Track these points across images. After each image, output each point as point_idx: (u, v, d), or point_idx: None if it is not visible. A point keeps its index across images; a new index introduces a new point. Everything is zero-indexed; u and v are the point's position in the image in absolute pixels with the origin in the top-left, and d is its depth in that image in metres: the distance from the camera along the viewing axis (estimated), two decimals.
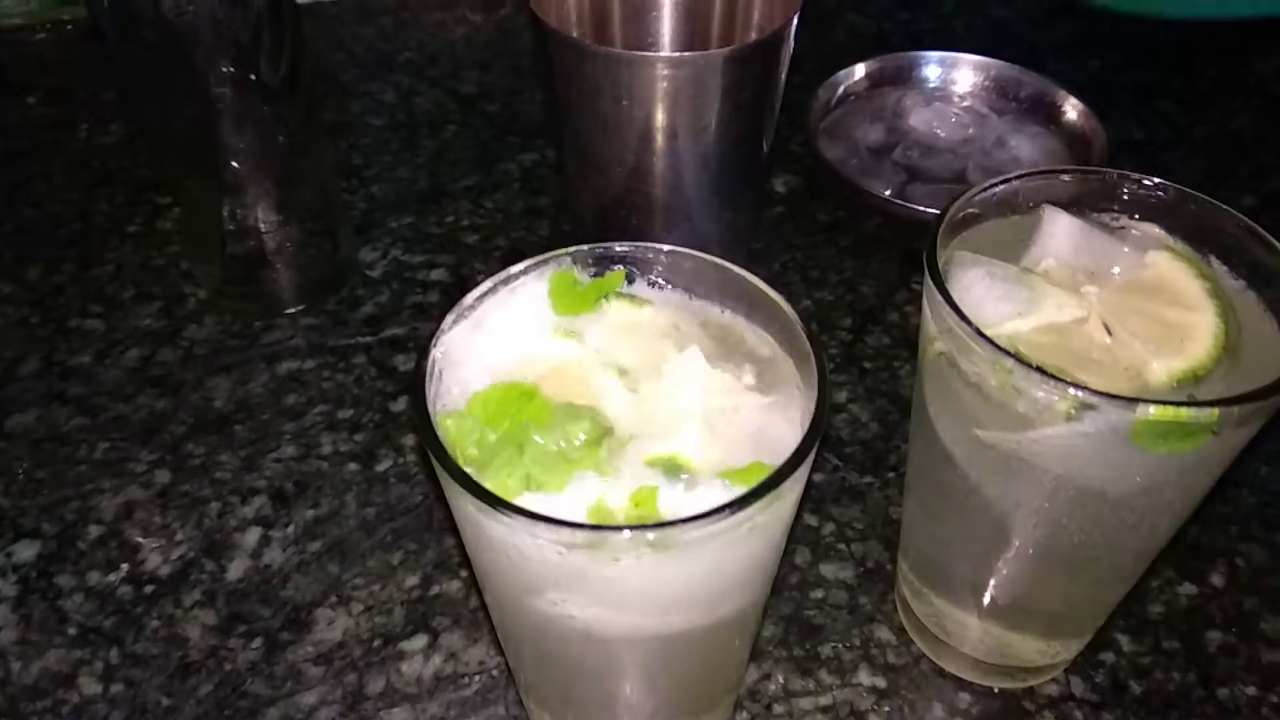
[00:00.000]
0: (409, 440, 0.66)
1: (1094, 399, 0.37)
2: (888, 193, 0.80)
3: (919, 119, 0.87)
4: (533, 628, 0.41)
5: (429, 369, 0.39)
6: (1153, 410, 0.36)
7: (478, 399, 0.39)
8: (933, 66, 0.92)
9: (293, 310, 0.74)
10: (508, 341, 0.42)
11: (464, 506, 0.36)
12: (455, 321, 0.41)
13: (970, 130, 0.86)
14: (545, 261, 0.43)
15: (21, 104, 0.95)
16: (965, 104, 0.90)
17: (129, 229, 0.81)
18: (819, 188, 0.85)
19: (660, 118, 0.59)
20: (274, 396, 0.69)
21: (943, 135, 0.86)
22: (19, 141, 0.90)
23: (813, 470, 0.64)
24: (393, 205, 0.83)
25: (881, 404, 0.69)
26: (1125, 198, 0.47)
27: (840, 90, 0.90)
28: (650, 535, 0.33)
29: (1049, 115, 0.87)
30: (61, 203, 0.84)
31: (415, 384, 0.38)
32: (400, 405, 0.68)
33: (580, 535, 0.33)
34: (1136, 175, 0.47)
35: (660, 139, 0.60)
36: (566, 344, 0.42)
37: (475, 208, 0.83)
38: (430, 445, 0.35)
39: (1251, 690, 0.55)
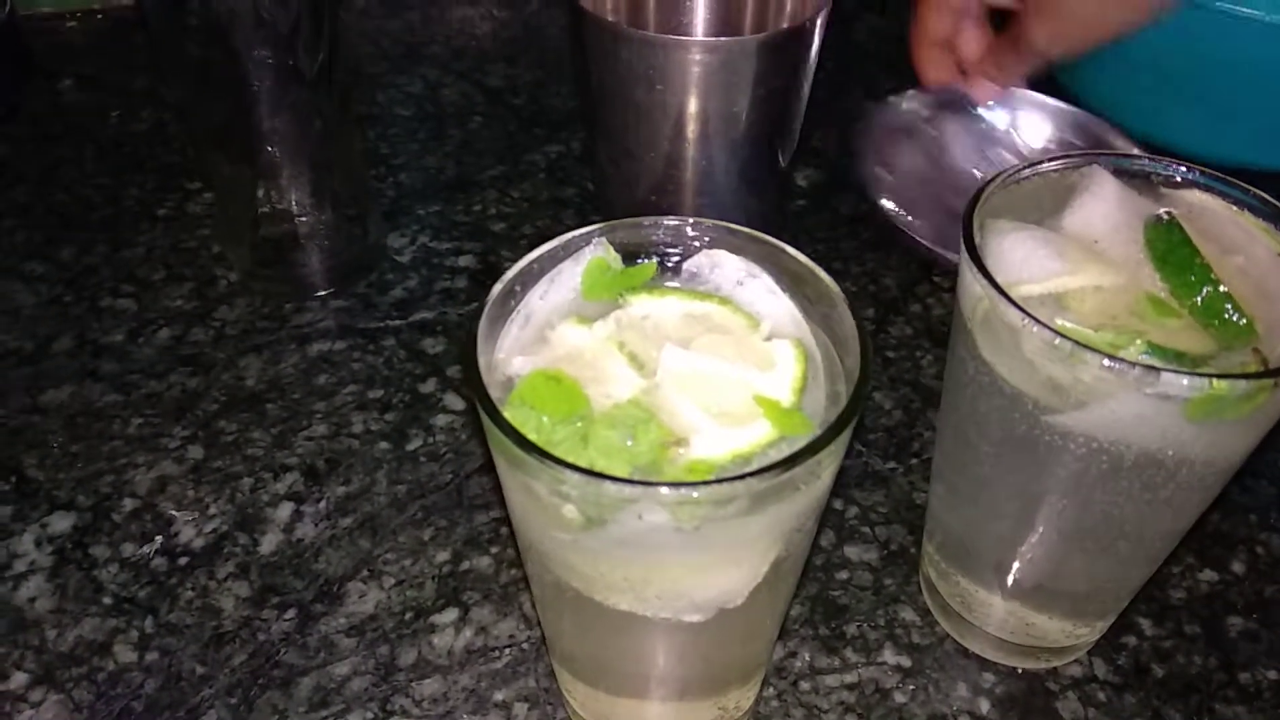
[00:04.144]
0: (439, 420, 0.67)
1: (1151, 375, 0.38)
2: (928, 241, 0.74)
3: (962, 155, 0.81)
4: (573, 601, 0.41)
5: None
6: (1214, 384, 0.37)
7: (526, 386, 0.39)
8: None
9: (323, 293, 0.75)
10: (536, 323, 0.43)
11: (518, 477, 0.37)
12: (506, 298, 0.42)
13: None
14: (584, 244, 0.43)
15: (52, 90, 0.96)
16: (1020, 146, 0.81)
17: (159, 213, 0.82)
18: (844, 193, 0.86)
19: (693, 103, 0.60)
20: (305, 376, 0.70)
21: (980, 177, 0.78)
22: (51, 127, 0.91)
23: None
24: (420, 193, 0.84)
25: (905, 392, 0.70)
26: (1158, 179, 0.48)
27: (900, 110, 0.83)
28: (697, 493, 0.34)
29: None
30: (92, 187, 0.85)
31: (467, 356, 0.38)
32: (430, 386, 0.69)
33: (640, 491, 0.34)
34: (1170, 159, 0.48)
35: (692, 125, 0.61)
36: (595, 328, 0.42)
37: (502, 197, 0.84)
38: (484, 405, 0.36)
39: (1273, 675, 0.55)
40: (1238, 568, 0.60)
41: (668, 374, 0.39)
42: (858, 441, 0.66)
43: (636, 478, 0.36)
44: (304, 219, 0.73)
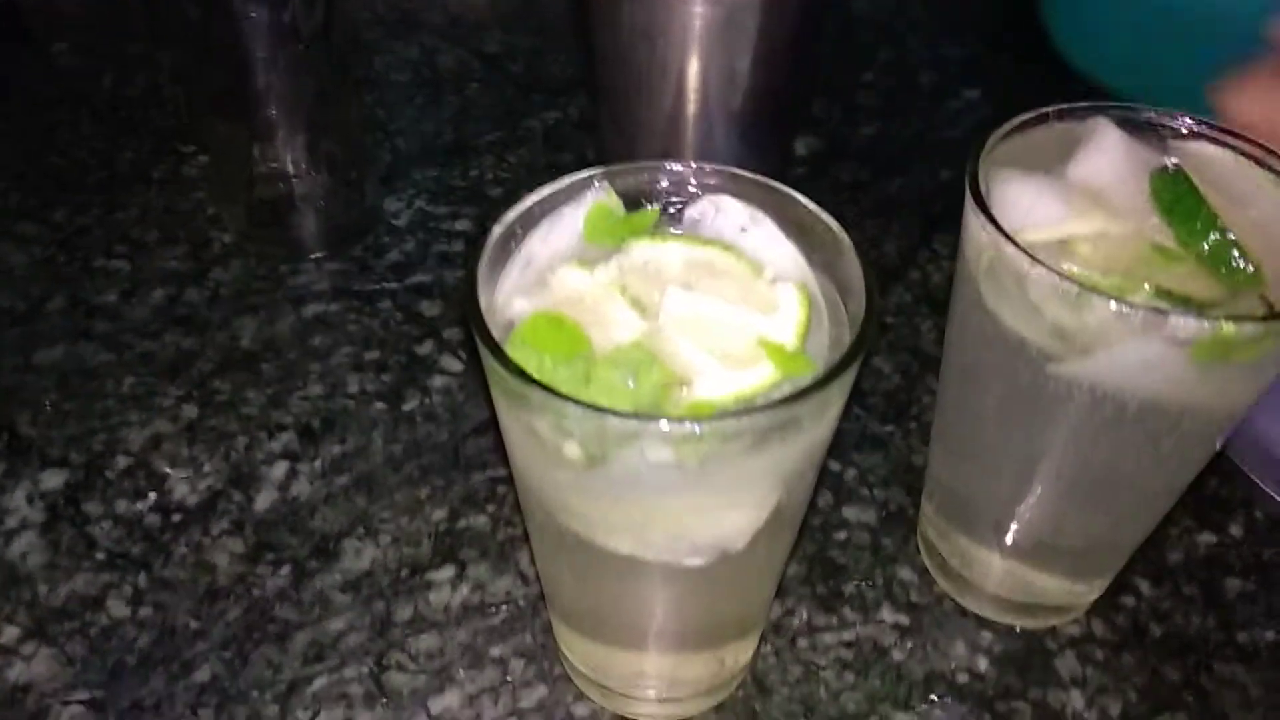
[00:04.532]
0: (436, 382, 0.66)
1: (1159, 317, 0.38)
2: None
3: None
4: (574, 547, 0.41)
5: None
6: (1223, 326, 0.37)
7: (528, 327, 0.39)
8: None
9: (318, 255, 0.74)
10: (537, 266, 0.42)
11: (521, 416, 0.36)
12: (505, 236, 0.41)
13: None
14: (584, 186, 0.43)
15: (46, 55, 0.95)
16: None
17: (154, 175, 0.81)
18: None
19: (695, 59, 0.59)
20: (300, 337, 0.69)
21: None
22: (45, 92, 0.90)
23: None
24: (417, 158, 0.84)
25: (903, 357, 0.69)
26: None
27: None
28: (701, 427, 0.33)
29: None
30: (86, 150, 0.84)
31: (469, 292, 0.38)
32: (426, 348, 0.69)
33: (643, 426, 0.33)
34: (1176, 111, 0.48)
35: (695, 82, 0.60)
36: (597, 273, 0.42)
37: (499, 162, 0.84)
38: (485, 341, 0.36)
39: (1270, 635, 0.55)
40: (1235, 530, 0.60)
41: (670, 316, 0.39)
42: (856, 405, 0.66)
43: None
44: (300, 180, 0.72)
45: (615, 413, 0.33)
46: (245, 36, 0.65)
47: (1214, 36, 0.76)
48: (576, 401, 0.34)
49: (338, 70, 0.70)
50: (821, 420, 0.38)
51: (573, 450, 0.36)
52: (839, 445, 0.63)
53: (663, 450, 0.35)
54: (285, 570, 0.56)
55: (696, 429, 0.34)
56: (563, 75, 0.94)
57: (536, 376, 0.35)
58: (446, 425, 0.64)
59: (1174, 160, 0.45)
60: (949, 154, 0.86)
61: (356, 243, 0.76)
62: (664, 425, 0.33)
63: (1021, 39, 0.99)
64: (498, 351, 0.35)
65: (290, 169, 0.72)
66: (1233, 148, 0.46)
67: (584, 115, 0.89)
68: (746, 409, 0.34)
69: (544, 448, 0.37)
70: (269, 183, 0.72)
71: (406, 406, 0.65)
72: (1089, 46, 0.85)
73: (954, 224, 0.47)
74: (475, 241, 0.41)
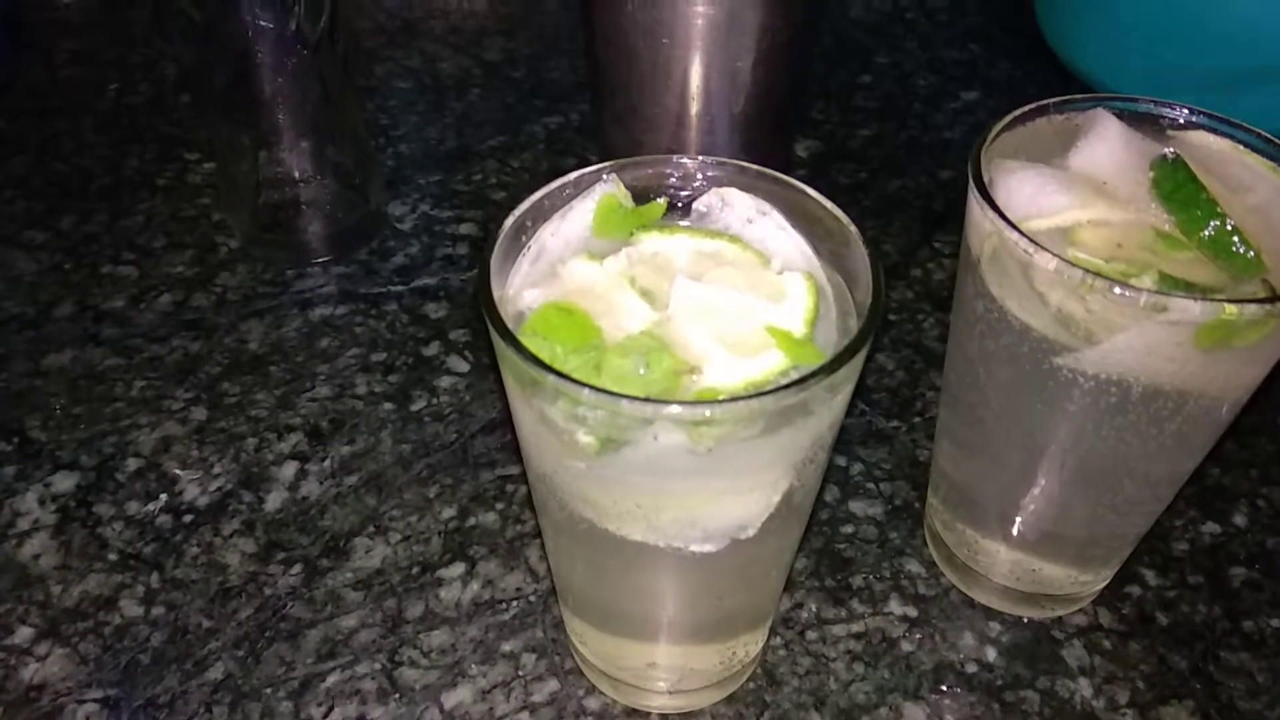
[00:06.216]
0: (443, 382, 0.67)
1: (1163, 301, 0.38)
2: None
3: None
4: (586, 537, 0.41)
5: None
6: (1227, 309, 0.37)
7: (539, 317, 0.39)
8: None
9: (324, 259, 0.75)
10: (547, 259, 0.43)
11: (534, 404, 0.37)
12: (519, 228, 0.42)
13: None
14: (595, 180, 0.44)
15: (49, 64, 0.96)
16: None
17: (159, 182, 0.82)
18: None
19: (698, 57, 0.60)
20: (307, 340, 0.69)
21: None
22: (48, 100, 0.91)
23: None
24: (421, 163, 0.84)
25: (907, 354, 0.70)
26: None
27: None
28: (712, 411, 0.34)
29: None
30: (92, 158, 0.85)
31: (482, 284, 0.39)
32: (433, 349, 0.69)
33: (656, 410, 0.34)
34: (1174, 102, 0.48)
35: (697, 79, 0.61)
36: (606, 264, 0.42)
37: (502, 166, 0.84)
38: (498, 328, 0.36)
39: (1275, 623, 0.56)
40: (1239, 520, 0.61)
41: (680, 305, 0.40)
42: (861, 401, 0.66)
43: None
44: (305, 185, 0.73)
45: (628, 397, 0.34)
46: (251, 42, 0.66)
47: (1211, 40, 0.77)
48: (591, 387, 0.34)
49: (342, 76, 0.71)
50: (830, 405, 0.38)
51: (586, 437, 0.36)
52: (845, 441, 0.64)
53: (675, 435, 0.35)
54: (296, 569, 0.57)
55: (708, 412, 0.34)
56: (564, 81, 0.94)
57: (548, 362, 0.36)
58: (454, 425, 0.64)
59: (1173, 149, 0.46)
60: (948, 154, 0.87)
61: (362, 247, 0.76)
62: (676, 409, 0.34)
63: (1019, 41, 1.00)
64: (511, 338, 0.36)
65: (296, 174, 0.72)
66: (1231, 136, 0.47)
67: (585, 120, 0.89)
68: (757, 393, 0.34)
69: (557, 436, 0.38)
70: (275, 188, 0.73)
71: (414, 407, 0.65)
72: (1083, 46, 0.86)
73: (954, 222, 0.48)
74: (486, 236, 0.42)
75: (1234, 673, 0.54)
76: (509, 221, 0.41)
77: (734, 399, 0.35)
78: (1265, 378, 0.44)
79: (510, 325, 0.39)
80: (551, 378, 0.34)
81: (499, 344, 0.37)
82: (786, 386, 0.34)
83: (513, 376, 0.38)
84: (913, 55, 1.01)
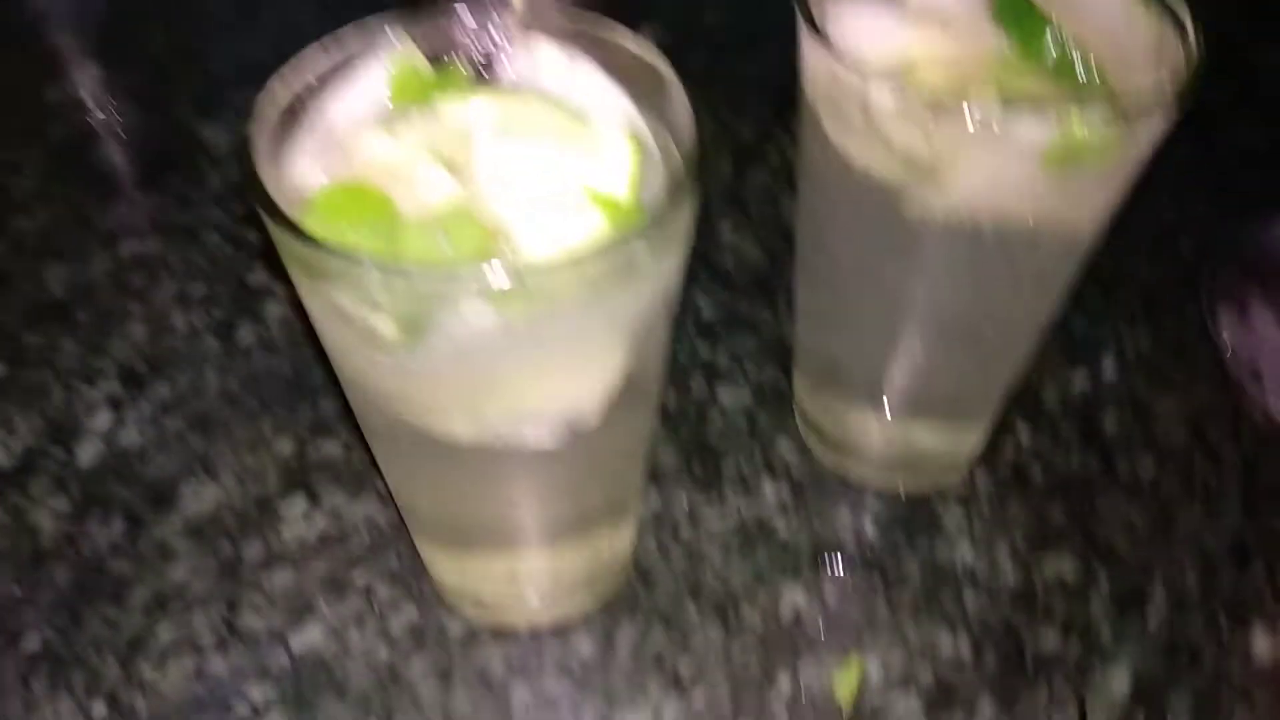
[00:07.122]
0: (272, 310, 0.61)
1: (1007, 119, 0.35)
2: None
3: None
4: (414, 444, 0.37)
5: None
6: (1075, 122, 0.35)
7: (324, 200, 0.35)
8: None
9: (130, 190, 0.68)
10: (334, 133, 0.38)
11: (323, 292, 0.32)
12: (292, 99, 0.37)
13: None
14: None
15: None
16: None
17: None
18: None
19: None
20: (116, 279, 0.63)
21: None
22: None
23: (703, 301, 0.62)
24: (233, 80, 0.77)
25: (767, 236, 0.67)
26: None
27: None
28: (522, 271, 0.30)
29: None
30: None
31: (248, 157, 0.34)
32: (258, 277, 0.63)
33: (455, 279, 0.30)
34: None
35: None
36: (402, 135, 0.38)
37: None
38: (269, 211, 0.31)
39: (1149, 467, 0.55)
40: (1107, 367, 0.60)
41: (486, 170, 0.35)
42: (723, 287, 0.63)
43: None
44: (99, 112, 0.66)
45: (421, 269, 0.30)
46: None
47: None
48: (375, 261, 0.30)
49: None
50: (658, 271, 0.35)
51: (385, 325, 0.32)
52: (708, 327, 0.61)
53: (484, 310, 0.31)
54: (117, 523, 0.51)
55: (517, 277, 0.30)
56: None
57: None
58: (287, 354, 0.59)
59: None
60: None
61: (173, 174, 0.69)
62: (480, 275, 0.30)
63: None
64: (283, 221, 0.31)
65: (88, 101, 0.65)
66: None
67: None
68: (572, 253, 0.30)
69: (355, 329, 0.33)
70: (66, 118, 0.65)
71: (241, 339, 0.60)
72: None
73: None
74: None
75: (1111, 519, 0.53)
76: (276, 87, 0.35)
77: (546, 262, 0.31)
78: (1119, 211, 0.42)
79: (291, 213, 0.34)
80: (334, 259, 0.30)
81: (273, 229, 0.32)
82: (603, 247, 0.31)
83: (296, 265, 0.33)
84: None
